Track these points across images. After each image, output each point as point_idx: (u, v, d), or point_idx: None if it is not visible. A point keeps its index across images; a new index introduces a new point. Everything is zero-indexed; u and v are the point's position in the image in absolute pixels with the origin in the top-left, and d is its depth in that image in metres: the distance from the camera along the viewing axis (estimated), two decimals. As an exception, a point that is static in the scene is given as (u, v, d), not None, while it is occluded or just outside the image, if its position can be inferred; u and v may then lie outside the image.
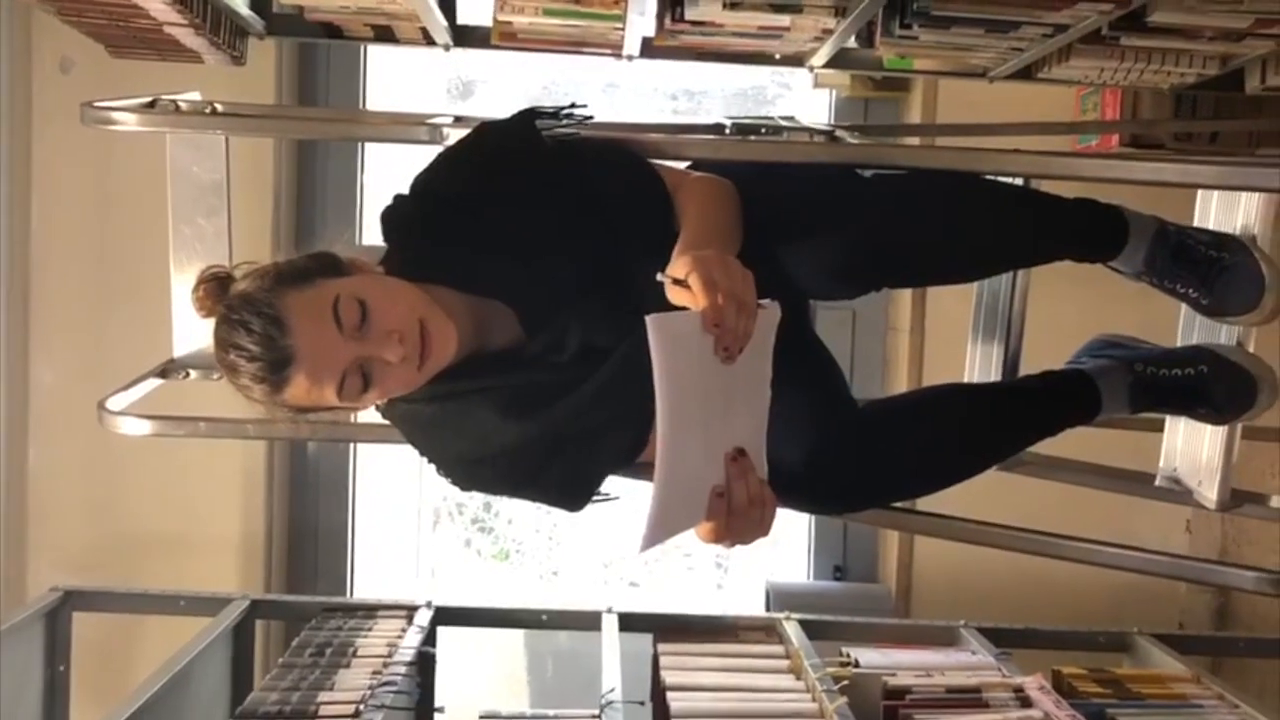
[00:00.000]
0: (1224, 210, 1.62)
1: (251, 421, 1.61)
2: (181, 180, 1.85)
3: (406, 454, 1.49)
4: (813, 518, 2.98)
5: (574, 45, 2.11)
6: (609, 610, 2.28)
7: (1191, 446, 1.68)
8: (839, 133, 1.65)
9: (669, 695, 1.93)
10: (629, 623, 2.25)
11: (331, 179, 2.93)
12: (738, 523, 1.15)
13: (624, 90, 3.39)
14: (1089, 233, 1.52)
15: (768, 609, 2.81)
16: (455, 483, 1.47)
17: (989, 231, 1.44)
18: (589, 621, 2.28)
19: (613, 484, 1.46)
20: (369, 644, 2.09)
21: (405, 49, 2.22)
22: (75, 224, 2.79)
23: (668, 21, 1.93)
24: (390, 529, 3.42)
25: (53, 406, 2.78)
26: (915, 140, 2.72)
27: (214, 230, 1.87)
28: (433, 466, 1.47)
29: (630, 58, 2.16)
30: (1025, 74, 2.18)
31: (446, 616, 2.29)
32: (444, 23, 2.08)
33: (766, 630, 2.26)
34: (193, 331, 1.82)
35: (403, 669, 1.97)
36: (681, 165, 1.53)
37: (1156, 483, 1.74)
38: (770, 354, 1.16)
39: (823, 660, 2.02)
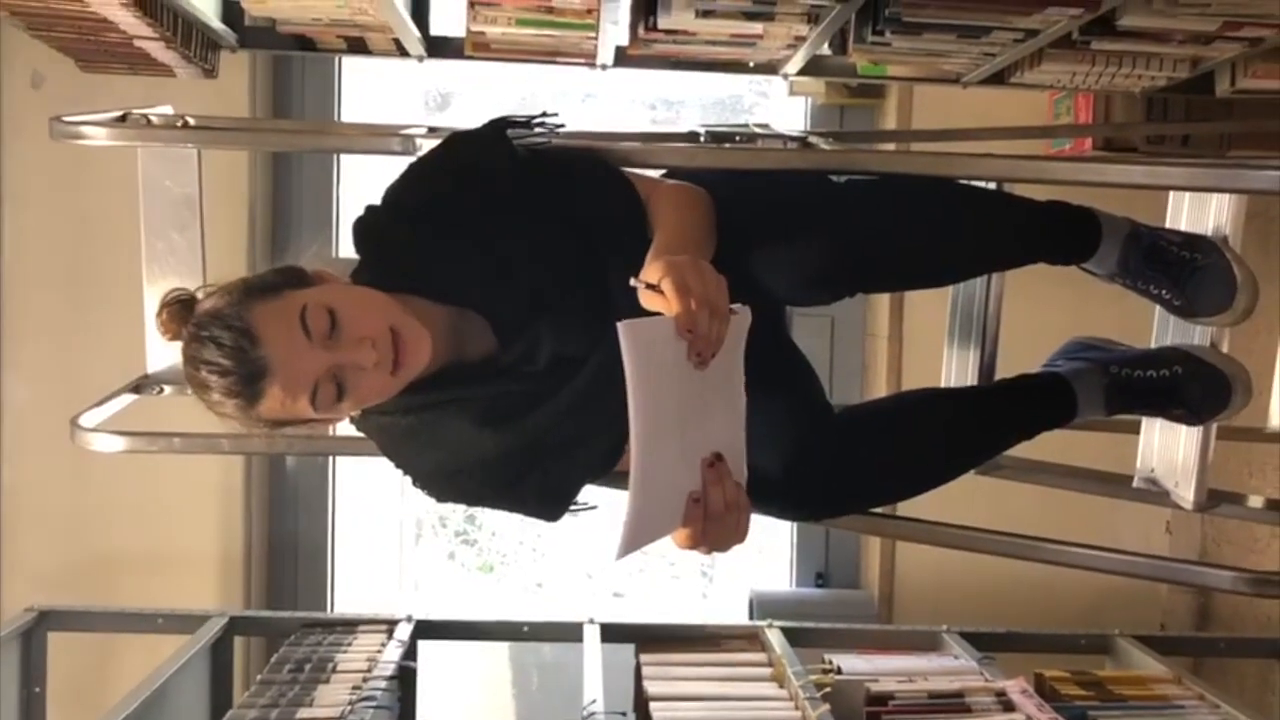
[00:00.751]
0: (1196, 212, 1.63)
1: (227, 437, 1.60)
2: (153, 194, 1.84)
3: (387, 468, 1.48)
4: (795, 525, 2.98)
5: (548, 55, 2.11)
6: (590, 621, 2.27)
7: (1168, 447, 1.68)
8: (813, 139, 1.65)
9: (652, 706, 1.92)
10: (611, 633, 2.24)
11: (307, 191, 2.92)
12: (714, 528, 1.15)
13: (602, 100, 3.39)
14: (1062, 235, 1.53)
15: (751, 617, 2.81)
16: (431, 494, 1.46)
17: (962, 236, 1.45)
18: (571, 633, 2.27)
19: (591, 494, 1.46)
20: (349, 659, 2.07)
21: (379, 60, 2.21)
22: (47, 239, 2.77)
23: (641, 30, 1.93)
24: (372, 543, 3.40)
25: (26, 423, 2.75)
26: (890, 146, 2.73)
27: (187, 244, 1.86)
28: (408, 479, 1.46)
29: (604, 67, 2.16)
30: (998, 79, 2.20)
31: (427, 630, 2.27)
32: (417, 34, 2.07)
33: (749, 639, 2.26)
34: (166, 347, 1.80)
35: (383, 684, 1.96)
36: (656, 173, 1.53)
37: (1134, 484, 1.75)
38: (741, 359, 1.16)
39: (805, 668, 2.01)
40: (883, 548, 2.90)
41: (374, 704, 1.87)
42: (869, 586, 2.98)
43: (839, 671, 2.04)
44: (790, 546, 3.09)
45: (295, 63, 2.87)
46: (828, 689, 1.94)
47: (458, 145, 1.43)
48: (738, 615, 2.92)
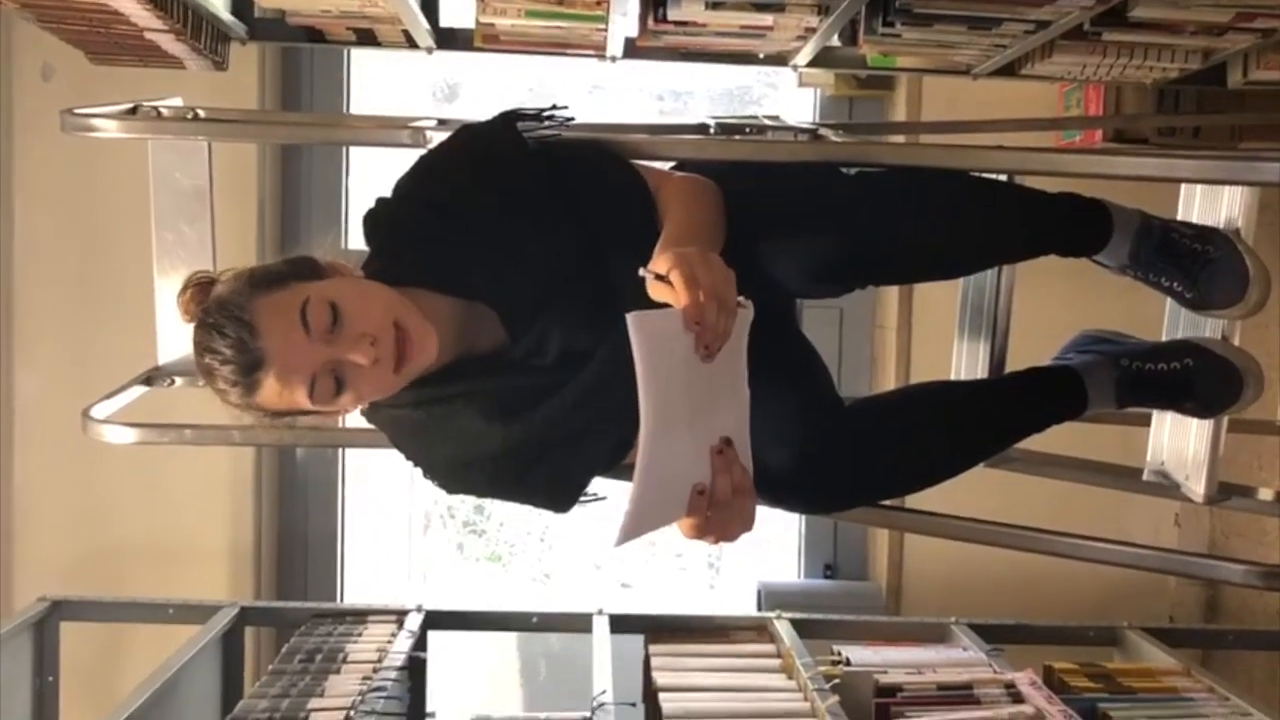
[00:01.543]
0: (1208, 204, 1.63)
1: (238, 428, 1.61)
2: (164, 186, 1.84)
3: (396, 459, 1.49)
4: (803, 517, 2.98)
5: (557, 46, 2.11)
6: (599, 612, 2.28)
7: (1178, 440, 1.68)
8: (823, 131, 1.65)
9: (661, 696, 1.92)
10: (620, 624, 2.25)
11: (316, 183, 2.92)
12: (720, 516, 1.15)
13: (610, 91, 3.39)
14: (1073, 227, 1.52)
15: (759, 608, 2.81)
16: (441, 486, 1.47)
17: (972, 228, 1.44)
18: (580, 624, 2.28)
19: (600, 485, 1.46)
20: (359, 649, 2.08)
21: (388, 52, 2.21)
22: (58, 232, 2.78)
23: (650, 22, 1.93)
24: (381, 534, 3.41)
25: (37, 416, 2.76)
26: (900, 138, 2.72)
27: (197, 236, 1.87)
28: (419, 470, 1.47)
29: (614, 58, 2.15)
30: (1008, 70, 2.19)
31: (437, 621, 2.28)
32: (426, 25, 2.07)
33: (758, 630, 2.26)
34: (177, 339, 1.82)
35: (393, 674, 1.97)
36: (665, 165, 1.53)
37: (1144, 477, 1.74)
38: (745, 351, 1.17)
39: (814, 659, 2.02)
40: (891, 539, 2.90)
41: (384, 694, 1.88)
42: (877, 578, 2.98)
43: (848, 663, 2.04)
44: (798, 538, 3.09)
45: (304, 55, 2.88)
46: (836, 680, 1.95)
47: (468, 138, 1.43)
48: (746, 607, 2.92)
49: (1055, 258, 1.54)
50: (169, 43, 1.99)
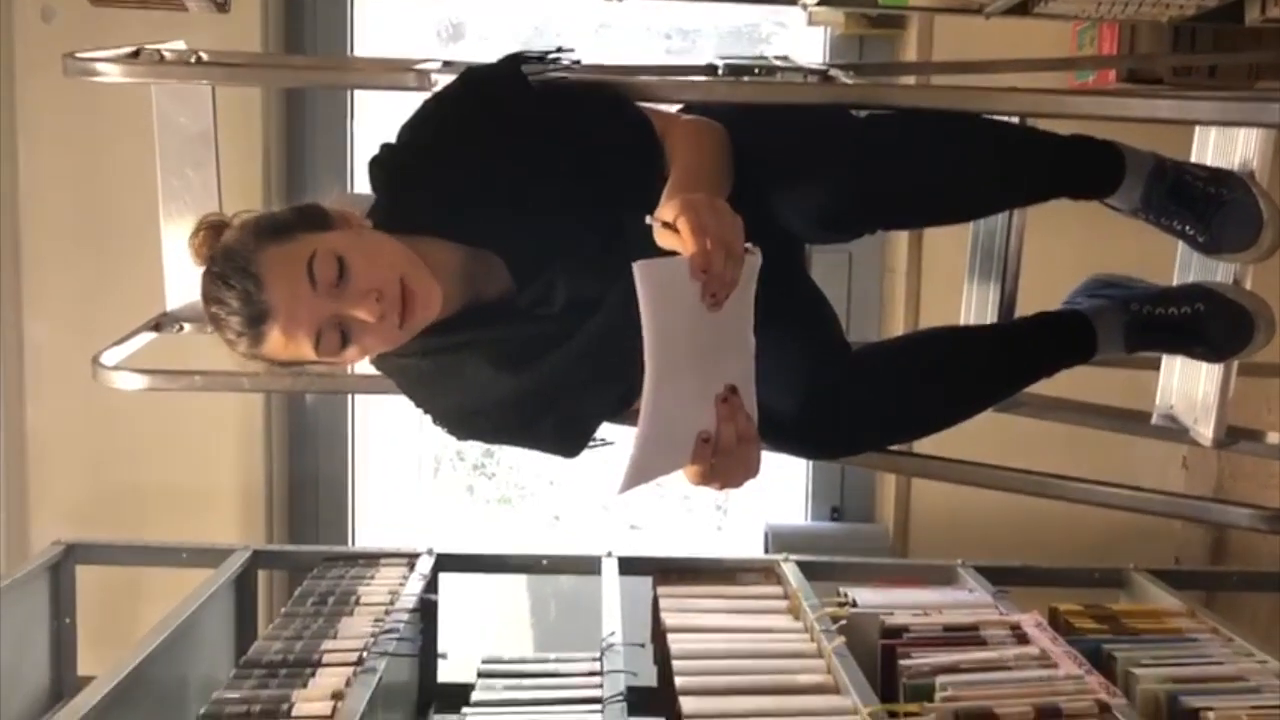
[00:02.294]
0: (1222, 146, 1.61)
1: (247, 375, 1.62)
2: (168, 131, 1.83)
3: (405, 403, 1.50)
4: (809, 460, 2.99)
5: (564, -15, 2.08)
6: (608, 554, 2.30)
7: (1188, 384, 1.68)
8: (833, 72, 1.62)
9: (669, 637, 1.94)
10: (629, 566, 2.27)
11: (321, 127, 2.90)
12: (725, 463, 1.15)
13: (617, 30, 3.34)
14: (1085, 170, 1.50)
15: (766, 550, 2.83)
16: (450, 432, 1.48)
17: (983, 171, 1.43)
18: (589, 566, 2.30)
19: (608, 430, 1.47)
20: (371, 592, 2.10)
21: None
22: (64, 176, 2.77)
23: (658, -40, 1.90)
24: (391, 476, 3.43)
25: (48, 362, 2.78)
26: (911, 79, 2.68)
27: (202, 181, 1.86)
28: (428, 418, 1.47)
29: (621, -1, 2.12)
30: (1021, 9, 2.14)
31: (448, 563, 2.30)
32: (431, -36, 2.04)
33: (765, 572, 2.28)
34: (185, 284, 1.82)
35: (405, 616, 1.99)
36: (673, 108, 1.51)
37: (1153, 421, 1.74)
38: (752, 299, 1.16)
39: (820, 601, 2.03)
40: (898, 482, 2.92)
41: (396, 636, 1.90)
42: (884, 520, 3.00)
43: (854, 604, 2.06)
44: (805, 481, 3.10)
45: (307, -1, 2.84)
46: (843, 621, 1.96)
47: (473, 82, 1.42)
48: (753, 549, 2.94)
49: (1066, 201, 1.53)
50: (170, -16, 1.96)
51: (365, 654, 1.83)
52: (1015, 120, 1.54)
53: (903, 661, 1.74)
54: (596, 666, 1.91)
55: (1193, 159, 1.64)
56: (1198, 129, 1.65)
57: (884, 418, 1.43)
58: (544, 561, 2.36)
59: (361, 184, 2.35)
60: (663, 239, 1.12)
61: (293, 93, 2.86)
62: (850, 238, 1.46)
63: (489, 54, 1.46)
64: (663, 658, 1.97)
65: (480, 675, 1.95)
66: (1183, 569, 2.57)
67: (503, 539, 3.52)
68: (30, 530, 2.80)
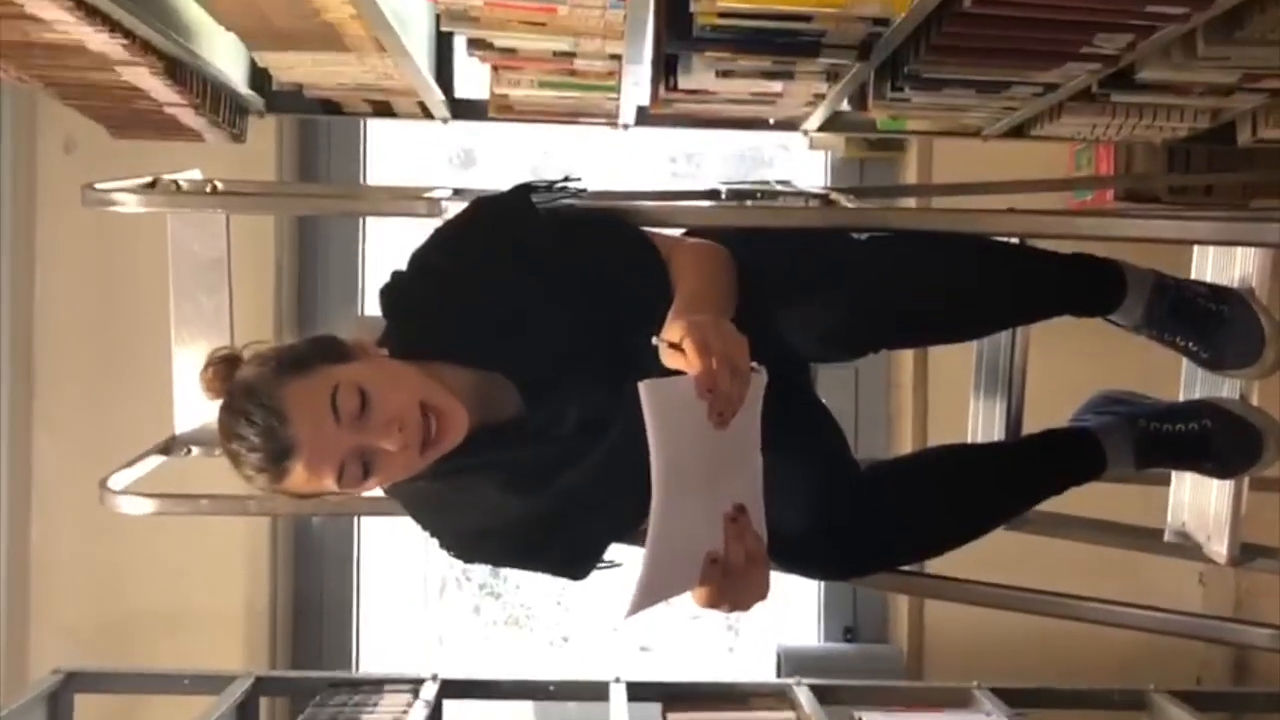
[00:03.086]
0: (1221, 262, 1.63)
1: (254, 498, 1.61)
2: (182, 257, 1.86)
3: (412, 523, 1.49)
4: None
5: (570, 116, 2.14)
6: (616, 680, 2.25)
7: (1199, 500, 1.66)
8: (834, 196, 1.66)
9: (680, 767, 1.90)
10: (637, 692, 2.22)
11: (333, 252, 2.95)
12: (734, 584, 1.15)
13: (624, 154, 3.41)
14: (1086, 289, 1.52)
15: (779, 672, 2.77)
16: (458, 556, 1.47)
17: (984, 292, 1.45)
18: (597, 692, 2.25)
19: (616, 552, 1.46)
20: (374, 720, 2.06)
21: (404, 123, 2.24)
22: (79, 303, 2.80)
23: (662, 90, 1.95)
24: (397, 597, 3.39)
25: (56, 484, 2.77)
26: (911, 201, 2.73)
27: (214, 307, 1.89)
28: (435, 541, 1.46)
29: (626, 126, 2.18)
30: (1018, 132, 2.20)
31: (453, 689, 2.26)
32: (441, 97, 2.10)
33: (777, 696, 2.24)
34: (194, 408, 1.83)
35: (409, 749, 1.95)
36: (677, 232, 1.54)
37: (1166, 538, 1.73)
38: (758, 418, 1.17)
39: (835, 727, 1.99)
40: (911, 602, 2.87)
41: (400, 769, 1.86)
42: (898, 641, 2.94)
43: (870, 730, 2.01)
44: (818, 600, 3.05)
45: (322, 124, 2.91)
46: (858, 750, 1.92)
47: (483, 210, 1.45)
48: (765, 670, 2.88)
49: (1070, 317, 1.54)
50: (188, 116, 2.03)
51: (368, 789, 1.79)
52: (1016, 241, 1.56)
53: (921, 792, 1.69)
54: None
55: (1192, 276, 1.66)
56: (1197, 247, 1.67)
57: (894, 538, 1.42)
58: (550, 688, 2.31)
59: (373, 307, 2.38)
60: (669, 359, 1.13)
61: (305, 218, 2.92)
62: (854, 357, 1.47)
63: (500, 180, 1.50)
64: (674, 788, 1.92)
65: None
66: (1206, 690, 2.51)
67: (510, 661, 3.45)
68: (30, 653, 2.76)
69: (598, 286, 1.41)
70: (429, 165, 3.32)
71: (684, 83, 1.90)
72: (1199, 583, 2.84)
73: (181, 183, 1.89)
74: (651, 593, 1.12)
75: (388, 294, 1.44)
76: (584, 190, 1.52)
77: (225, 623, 2.79)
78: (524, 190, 1.45)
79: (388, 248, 2.97)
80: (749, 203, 1.81)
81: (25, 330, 2.79)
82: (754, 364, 1.14)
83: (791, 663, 2.76)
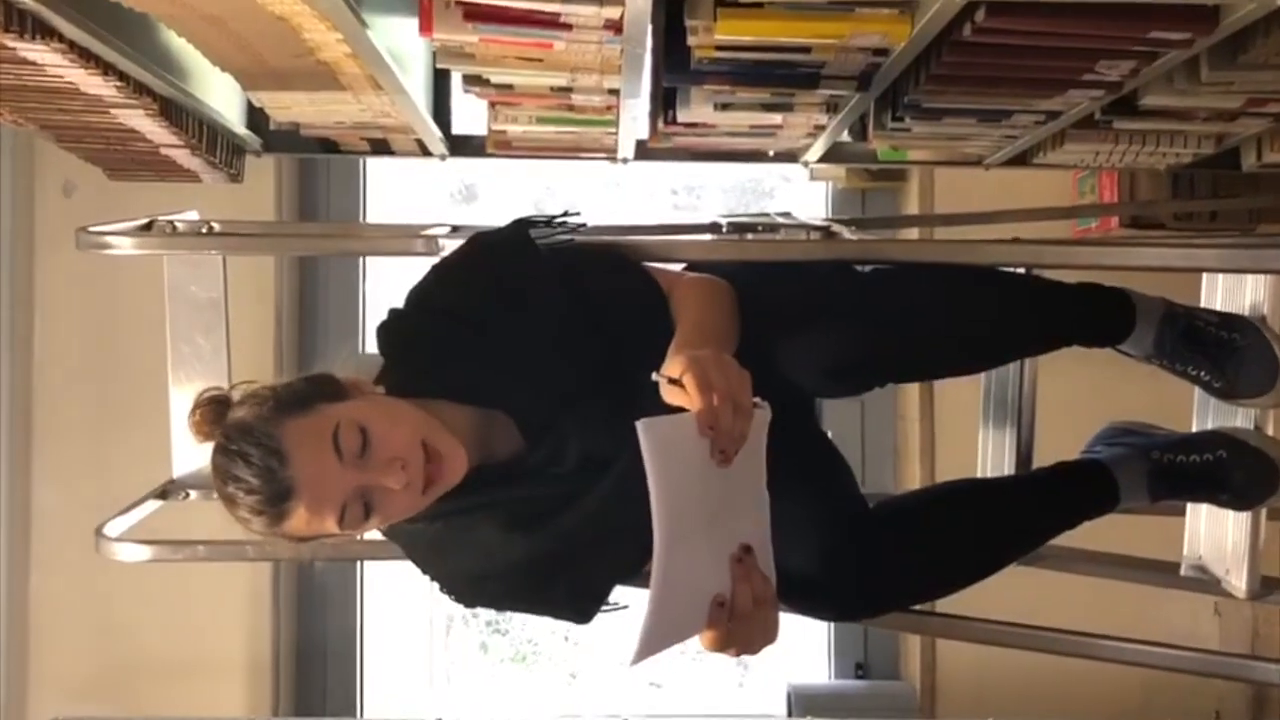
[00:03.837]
0: (1231, 290, 1.60)
1: (252, 543, 1.58)
2: (179, 299, 1.85)
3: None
4: (831, 614, 2.90)
5: (569, 151, 2.13)
6: (624, 722, 2.21)
7: (1215, 533, 1.63)
8: (835, 228, 1.64)
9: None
10: (646, 734, 2.18)
11: (333, 289, 2.94)
12: (742, 628, 1.12)
13: (625, 187, 3.41)
14: (1095, 319, 1.50)
15: (789, 712, 2.73)
16: (459, 600, 1.43)
17: (991, 324, 1.42)
18: (604, 735, 2.21)
19: (622, 593, 1.42)
20: (377, 768, 2.02)
21: (403, 160, 2.23)
22: (78, 346, 2.79)
23: (660, 124, 1.94)
24: (402, 637, 3.35)
25: (54, 528, 2.74)
26: (914, 232, 2.72)
27: (212, 348, 1.87)
28: (435, 585, 1.43)
29: (625, 160, 2.17)
30: (1020, 160, 2.19)
31: (457, 734, 2.22)
32: (439, 134, 2.09)
33: (789, 737, 2.19)
34: (192, 452, 1.80)
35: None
36: (677, 267, 1.52)
37: (1182, 572, 1.69)
38: (763, 454, 1.14)
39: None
40: (923, 638, 2.82)
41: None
42: (910, 678, 2.90)
43: (883, 772, 1.97)
44: (828, 636, 3.01)
45: (320, 161, 2.91)
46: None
47: (481, 247, 1.43)
48: (775, 707, 2.84)
49: (1079, 347, 1.52)
50: (185, 158, 2.02)
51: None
52: (1021, 271, 1.54)
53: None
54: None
55: (1202, 304, 1.63)
56: (1205, 275, 1.65)
57: (905, 577, 1.38)
58: (557, 730, 2.27)
59: (372, 346, 2.36)
60: (670, 395, 1.11)
61: (305, 257, 2.90)
62: (860, 392, 1.44)
63: (502, 215, 1.48)
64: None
65: None
66: (1225, 725, 2.46)
67: (518, 699, 3.41)
68: (29, 701, 2.72)
69: (598, 323, 1.39)
70: (430, 200, 3.32)
71: (683, 116, 1.89)
72: (1214, 613, 2.79)
73: (178, 224, 1.88)
74: (657, 639, 1.09)
75: (385, 332, 1.42)
76: (583, 225, 1.50)
77: (228, 668, 2.75)
78: (522, 226, 1.44)
79: (388, 284, 2.96)
80: (749, 236, 1.79)
81: (25, 374, 2.78)
82: (757, 399, 1.11)
83: (802, 701, 2.72)
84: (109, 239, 1.67)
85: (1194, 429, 1.65)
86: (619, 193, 3.40)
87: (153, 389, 1.92)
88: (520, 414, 1.37)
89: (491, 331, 1.37)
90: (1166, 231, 2.33)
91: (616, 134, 1.99)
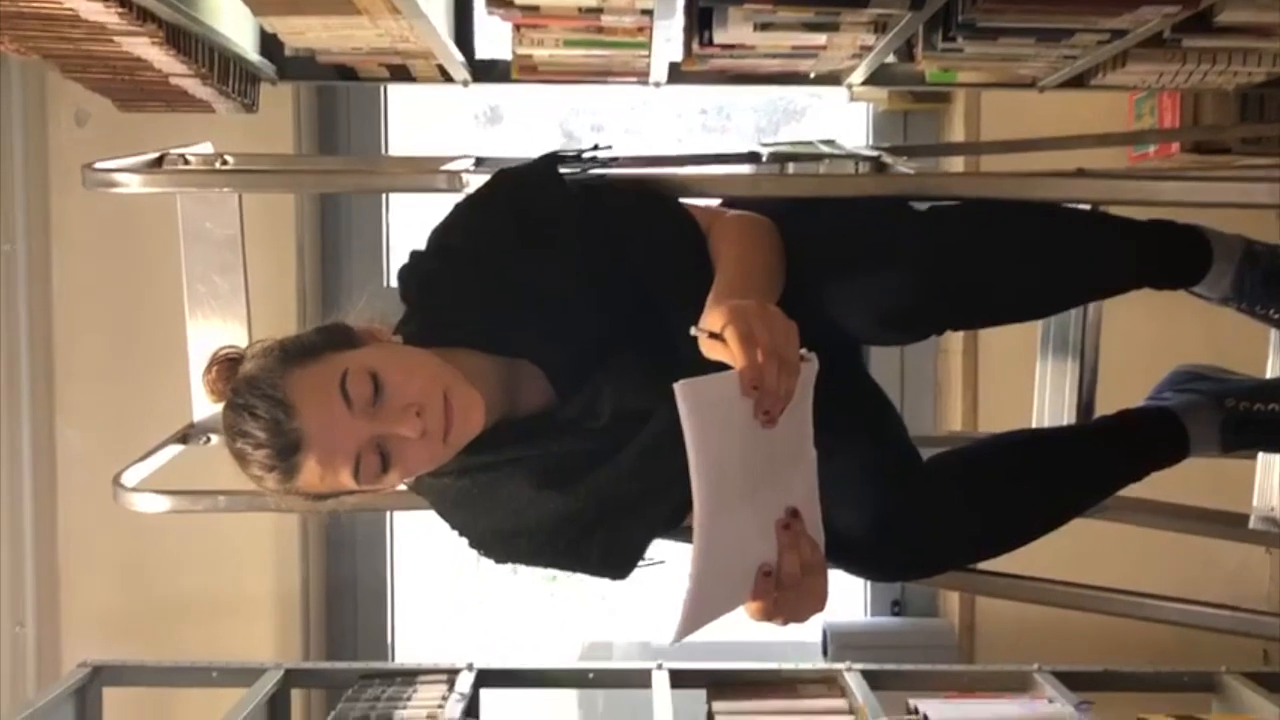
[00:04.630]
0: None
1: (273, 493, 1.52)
2: (193, 237, 1.78)
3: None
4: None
5: (598, 75, 2.02)
6: (659, 666, 2.17)
7: (1290, 483, 1.54)
8: (886, 159, 1.52)
9: (728, 761, 1.81)
10: (681, 679, 2.13)
11: (356, 221, 2.85)
12: (790, 597, 1.05)
13: (653, 106, 3.30)
14: (1169, 259, 1.39)
15: (825, 651, 2.68)
16: (488, 556, 1.37)
17: (1062, 264, 1.31)
18: (639, 679, 2.17)
19: (658, 548, 1.36)
20: (408, 716, 1.98)
21: (424, 86, 2.13)
22: (97, 282, 2.72)
23: (695, 46, 1.83)
24: (433, 563, 3.32)
25: (79, 468, 2.71)
26: (959, 163, 2.58)
27: (230, 287, 1.81)
28: (464, 540, 1.37)
29: (657, 84, 2.06)
30: (1077, 82, 2.06)
31: (489, 679, 2.18)
32: (461, 58, 1.99)
33: (827, 682, 2.14)
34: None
35: (443, 747, 1.87)
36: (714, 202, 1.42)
37: (1251, 524, 1.60)
38: (809, 411, 1.06)
39: (888, 718, 1.89)
40: (963, 575, 2.76)
41: (435, 769, 1.78)
42: (948, 614, 2.84)
43: (925, 720, 1.92)
44: (864, 573, 2.95)
45: (340, 89, 2.81)
46: (915, 742, 1.82)
47: (505, 184, 1.33)
48: (810, 648, 2.79)
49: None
50: (195, 87, 1.92)
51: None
52: (1086, 207, 1.42)
53: (986, 792, 1.59)
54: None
55: (1281, 240, 1.52)
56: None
57: (965, 535, 1.30)
58: (590, 675, 2.23)
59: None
60: (709, 350, 1.02)
61: (326, 189, 2.81)
62: (915, 339, 1.35)
63: (527, 138, 1.39)
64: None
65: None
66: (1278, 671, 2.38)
67: (546, 625, 3.38)
68: (62, 642, 2.71)
69: (632, 265, 1.30)
70: (454, 123, 3.22)
71: (719, 37, 1.78)
72: (1266, 551, 2.71)
73: (190, 158, 1.80)
74: (699, 614, 1.03)
75: (405, 276, 1.34)
76: (614, 159, 1.40)
77: (257, 609, 2.73)
78: (549, 161, 1.34)
79: (415, 217, 2.87)
80: (792, 167, 1.69)
81: (44, 312, 2.71)
82: (804, 351, 1.02)
83: (838, 640, 2.66)
84: (117, 177, 1.60)
85: (1270, 375, 1.55)
86: (646, 113, 3.29)
87: (174, 325, 1.85)
88: (549, 364, 1.29)
89: (516, 275, 1.29)
90: (1232, 157, 2.20)
91: (648, 57, 1.89)
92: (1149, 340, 1.99)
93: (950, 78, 2.13)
